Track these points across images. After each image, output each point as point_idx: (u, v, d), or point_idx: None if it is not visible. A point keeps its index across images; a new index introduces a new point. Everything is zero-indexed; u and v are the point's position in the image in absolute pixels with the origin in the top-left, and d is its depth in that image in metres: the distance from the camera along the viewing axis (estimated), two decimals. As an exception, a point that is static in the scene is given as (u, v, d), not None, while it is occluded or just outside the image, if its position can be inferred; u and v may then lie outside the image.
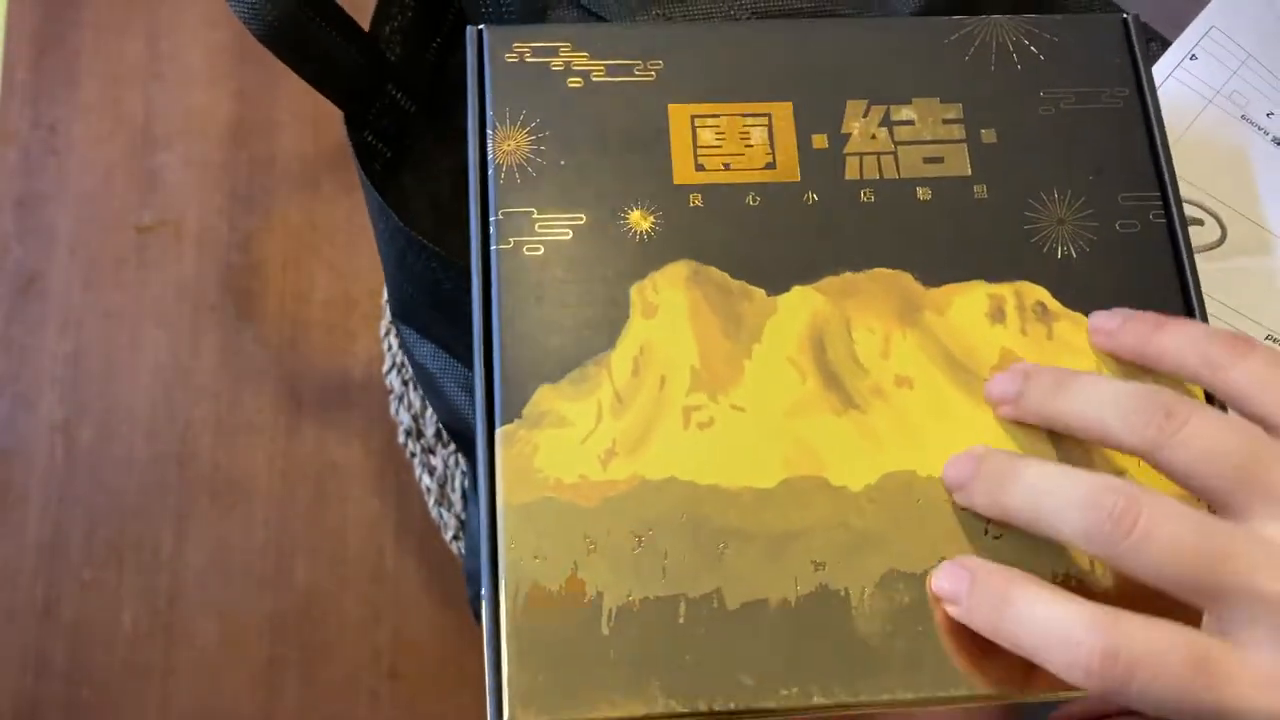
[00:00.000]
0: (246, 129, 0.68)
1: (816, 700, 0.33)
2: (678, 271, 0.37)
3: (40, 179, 0.67)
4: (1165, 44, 0.48)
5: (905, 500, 0.35)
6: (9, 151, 0.68)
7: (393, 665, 0.59)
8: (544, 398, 0.35)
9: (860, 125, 0.38)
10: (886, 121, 0.39)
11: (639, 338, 0.36)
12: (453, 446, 0.62)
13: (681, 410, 0.35)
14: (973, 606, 0.33)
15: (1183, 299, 0.38)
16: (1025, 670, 0.33)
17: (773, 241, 0.37)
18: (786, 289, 0.37)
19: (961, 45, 0.40)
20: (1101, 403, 0.33)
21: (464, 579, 0.59)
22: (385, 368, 0.64)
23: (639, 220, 0.37)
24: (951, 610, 0.33)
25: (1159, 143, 0.39)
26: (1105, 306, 0.37)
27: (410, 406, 0.62)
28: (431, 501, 0.61)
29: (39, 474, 0.62)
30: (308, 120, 0.68)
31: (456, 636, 0.59)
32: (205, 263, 0.66)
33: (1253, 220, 0.45)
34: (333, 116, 0.67)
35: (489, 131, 0.38)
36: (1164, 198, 0.39)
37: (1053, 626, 0.31)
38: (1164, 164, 0.39)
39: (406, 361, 0.63)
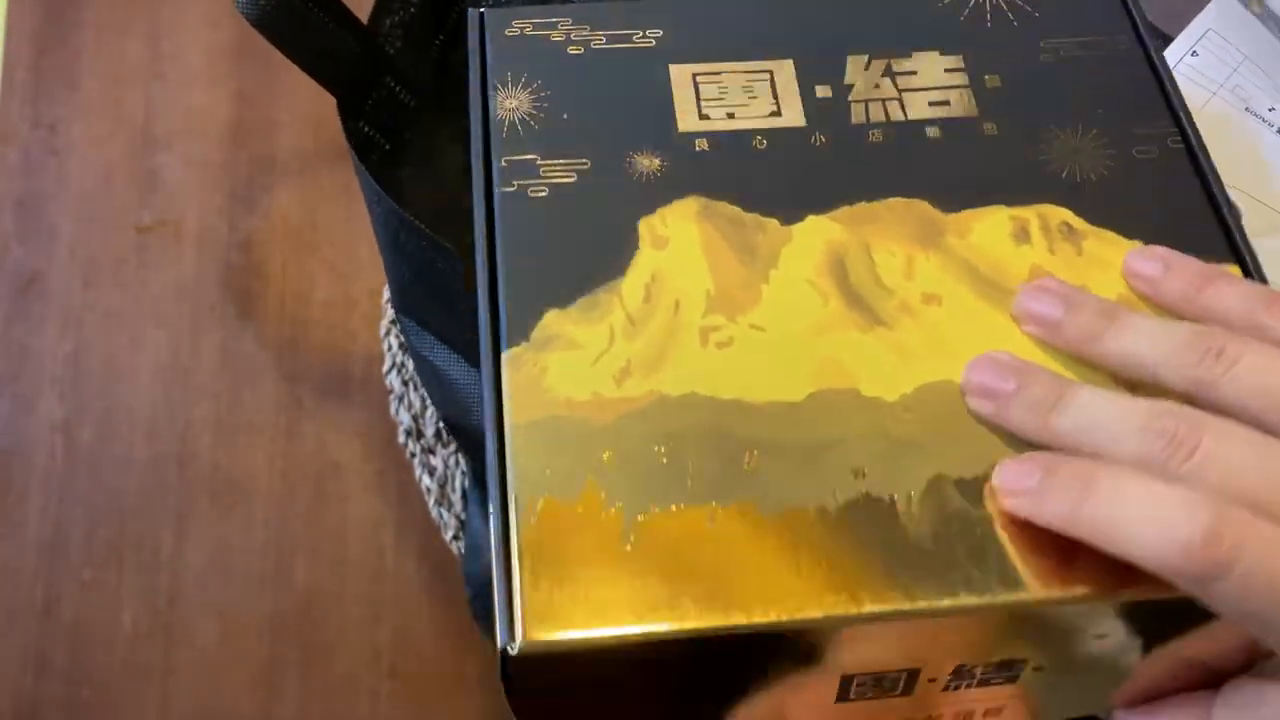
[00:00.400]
0: (246, 129, 0.68)
1: (868, 607, 0.29)
2: (687, 206, 0.36)
3: (40, 179, 0.67)
4: (1167, 40, 0.48)
5: (947, 409, 0.33)
6: (9, 151, 0.68)
7: (393, 665, 0.59)
8: (552, 321, 0.34)
9: (863, 77, 0.38)
10: (889, 73, 0.39)
11: (650, 266, 0.35)
12: (453, 446, 0.62)
13: (698, 331, 0.34)
14: (1047, 492, 0.30)
15: (1214, 213, 0.36)
16: (1101, 570, 0.30)
17: (783, 178, 0.36)
18: (800, 219, 0.36)
19: (956, 6, 0.40)
20: (1149, 342, 0.32)
21: (464, 579, 0.59)
22: (385, 368, 0.63)
23: (645, 162, 0.37)
24: (1012, 502, 0.31)
25: (1166, 81, 0.39)
26: (1133, 223, 0.36)
27: (410, 406, 0.62)
28: (431, 501, 0.61)
29: (39, 474, 0.62)
30: (308, 120, 0.68)
31: (456, 636, 0.59)
32: (205, 263, 0.66)
33: (1264, 203, 0.45)
34: (333, 117, 0.67)
35: (491, 92, 0.38)
36: (1180, 128, 0.38)
37: (1148, 505, 0.28)
38: (1174, 100, 0.38)
39: (406, 361, 0.63)
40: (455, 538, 0.60)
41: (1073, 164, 0.37)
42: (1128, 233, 0.36)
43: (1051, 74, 0.39)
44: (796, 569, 0.30)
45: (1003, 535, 0.31)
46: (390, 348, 0.64)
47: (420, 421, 0.62)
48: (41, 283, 0.65)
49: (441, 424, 0.62)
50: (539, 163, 0.36)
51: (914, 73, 0.39)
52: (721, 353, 0.33)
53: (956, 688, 0.32)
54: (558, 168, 0.36)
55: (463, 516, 0.60)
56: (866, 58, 0.39)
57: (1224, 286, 0.33)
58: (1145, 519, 0.28)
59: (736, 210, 0.36)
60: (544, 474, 0.31)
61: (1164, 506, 0.28)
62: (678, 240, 0.35)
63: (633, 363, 0.33)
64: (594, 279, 0.34)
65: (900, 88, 0.38)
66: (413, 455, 0.62)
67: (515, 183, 0.36)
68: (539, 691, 0.30)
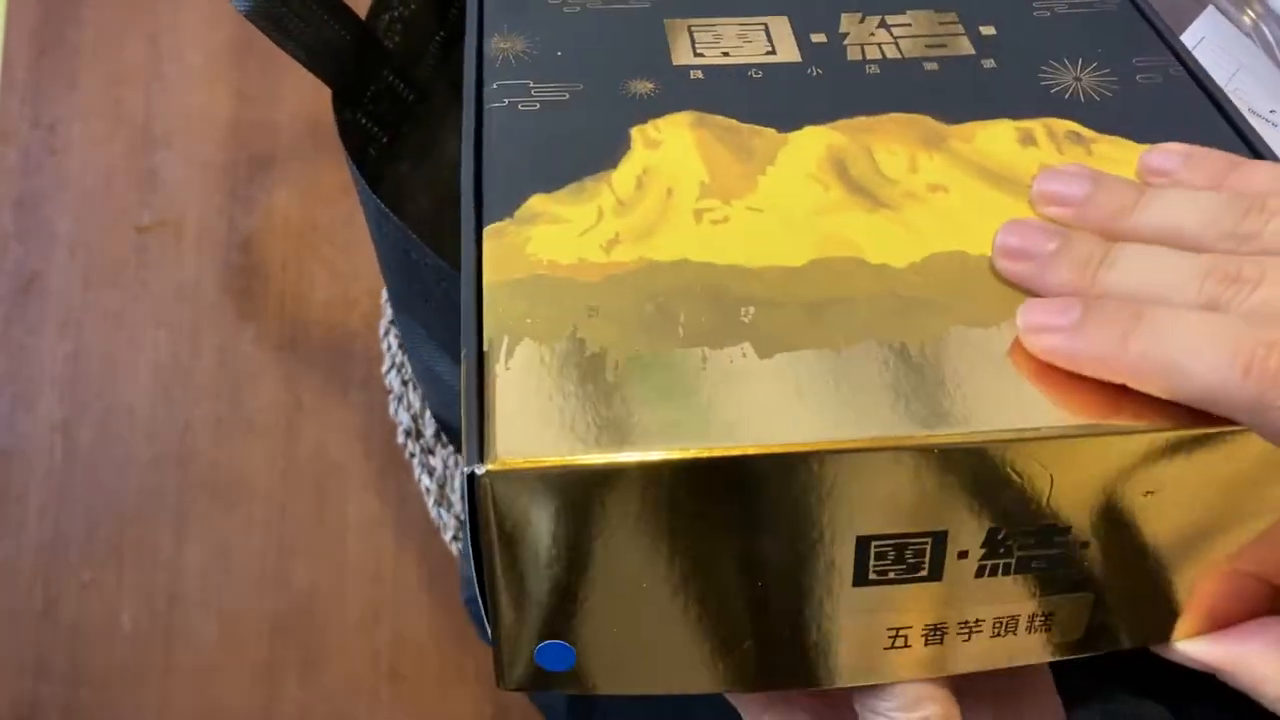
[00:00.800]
0: (246, 129, 0.68)
1: (876, 432, 0.27)
2: (681, 117, 0.34)
3: (40, 179, 0.67)
4: (1166, 42, 0.48)
5: (959, 273, 0.30)
6: (9, 151, 0.68)
7: (393, 665, 0.59)
8: (538, 202, 0.32)
9: (858, 27, 0.38)
10: (884, 25, 0.38)
11: (642, 162, 0.33)
12: (452, 447, 0.62)
13: (692, 212, 0.32)
14: (1087, 326, 0.27)
15: (1225, 119, 0.35)
16: (1132, 406, 0.28)
17: (780, 98, 0.35)
18: (799, 128, 0.34)
19: None
20: (1185, 207, 0.30)
21: (460, 581, 0.59)
22: (385, 368, 0.63)
23: (639, 86, 0.35)
24: (1046, 340, 0.28)
25: (1161, 27, 0.38)
26: (1142, 132, 0.34)
27: (410, 406, 0.62)
28: (431, 502, 0.61)
29: (39, 474, 0.62)
30: (308, 120, 0.68)
31: (456, 636, 0.59)
32: (205, 263, 0.66)
33: None
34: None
35: (486, 39, 0.37)
36: (1180, 60, 0.37)
37: (1204, 330, 0.26)
38: (1172, 41, 0.37)
39: (406, 361, 0.63)
40: (455, 538, 0.60)
41: (1076, 87, 0.36)
42: (1139, 138, 0.34)
43: (1046, 25, 0.38)
44: (799, 403, 0.27)
45: (1029, 374, 0.28)
46: (390, 348, 0.63)
47: (419, 422, 0.62)
48: (41, 283, 0.65)
49: (433, 415, 0.62)
50: (531, 85, 0.35)
51: (908, 24, 0.38)
52: (716, 227, 0.31)
53: (993, 572, 0.29)
54: (550, 89, 0.35)
55: (462, 517, 0.60)
56: (860, 14, 0.38)
57: (1250, 170, 0.31)
58: (1201, 343, 0.26)
59: (732, 121, 0.34)
60: (524, 322, 0.29)
61: (1222, 327, 0.26)
62: (671, 143, 0.34)
63: (621, 235, 0.31)
64: (583, 168, 0.33)
65: (895, 35, 0.38)
66: (412, 455, 0.62)
67: (506, 99, 0.35)
68: (507, 531, 0.27)
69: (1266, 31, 0.47)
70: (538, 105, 0.35)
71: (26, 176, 0.67)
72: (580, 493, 0.27)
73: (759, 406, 0.27)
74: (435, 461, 0.61)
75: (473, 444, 0.26)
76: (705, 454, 0.26)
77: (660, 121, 0.34)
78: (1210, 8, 0.47)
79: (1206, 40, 0.47)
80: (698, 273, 0.30)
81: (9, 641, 0.59)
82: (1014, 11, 0.39)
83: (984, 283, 0.30)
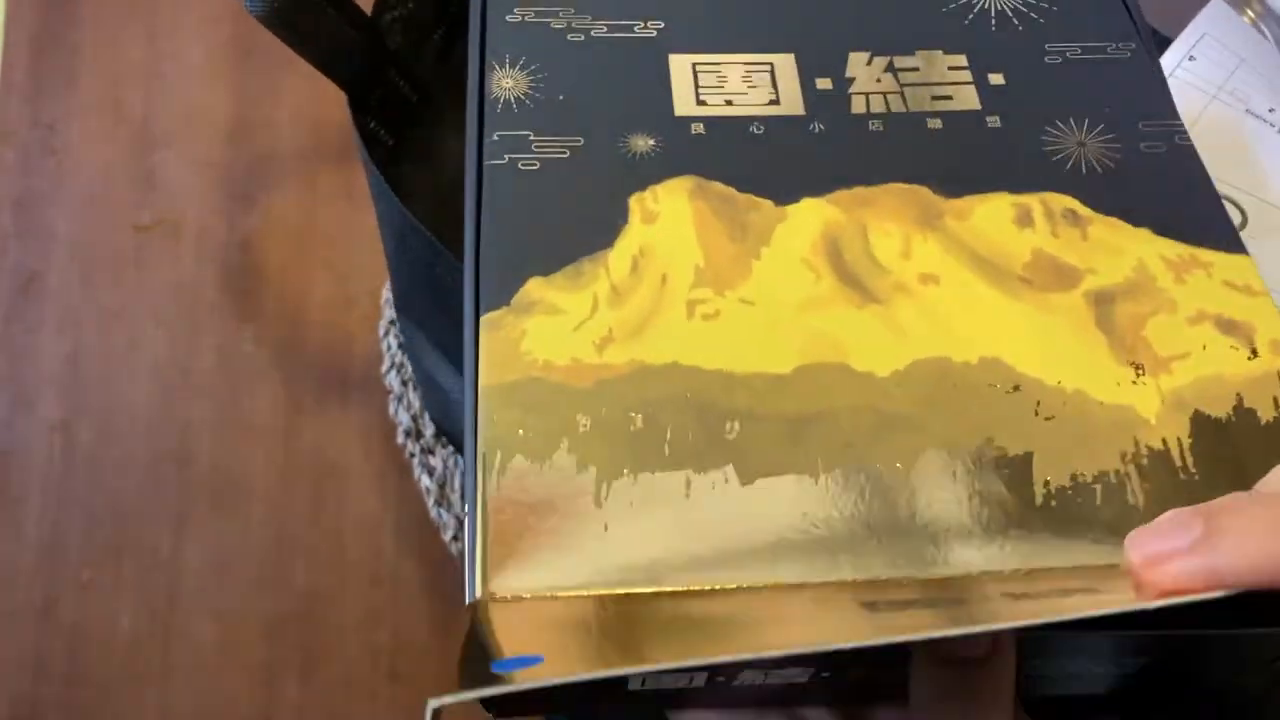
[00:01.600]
0: (246, 128, 0.68)
1: (846, 574, 0.28)
2: (680, 184, 0.35)
3: (39, 178, 0.67)
4: (1166, 42, 0.48)
5: (940, 385, 0.32)
6: (8, 151, 0.68)
7: (393, 666, 0.59)
8: (535, 288, 0.33)
9: (865, 71, 0.38)
10: (891, 69, 0.38)
11: (638, 239, 0.34)
12: (452, 447, 0.62)
13: (685, 303, 0.33)
14: (1219, 535, 0.23)
15: (1223, 205, 0.36)
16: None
17: (779, 161, 0.36)
18: (796, 200, 0.35)
19: (961, 11, 0.40)
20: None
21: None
22: (384, 368, 0.63)
23: (639, 143, 0.36)
24: (1167, 569, 0.24)
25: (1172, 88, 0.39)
26: (1140, 211, 0.35)
27: (410, 406, 0.62)
28: (431, 502, 0.61)
29: (37, 474, 0.62)
30: (307, 120, 0.68)
31: (456, 638, 0.59)
32: (204, 262, 0.66)
33: (1269, 203, 0.45)
34: (333, 117, 0.68)
35: (488, 71, 0.37)
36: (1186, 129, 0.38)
37: None
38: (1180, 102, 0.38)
39: (405, 361, 0.63)
40: (455, 538, 0.60)
41: (1079, 155, 0.37)
42: (1135, 220, 0.35)
43: (1057, 74, 0.39)
44: (775, 535, 0.29)
45: (995, 509, 0.30)
46: (389, 348, 0.63)
47: (419, 422, 0.62)
48: (40, 282, 0.65)
49: (434, 424, 0.62)
50: (532, 139, 0.36)
51: (916, 69, 0.38)
52: (707, 324, 0.33)
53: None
54: (550, 144, 0.36)
55: (462, 517, 0.60)
56: (869, 54, 0.39)
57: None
58: None
59: (730, 190, 0.35)
60: (516, 434, 0.30)
61: None
62: (669, 216, 0.35)
63: (614, 331, 0.32)
64: (580, 248, 0.34)
65: (902, 82, 0.38)
66: (412, 455, 0.62)
67: (506, 156, 0.36)
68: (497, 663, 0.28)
69: (1266, 30, 0.47)
70: (537, 165, 0.35)
71: (26, 176, 0.67)
72: (569, 628, 0.28)
73: (737, 540, 0.29)
74: (435, 461, 0.61)
75: (470, 578, 0.28)
76: (680, 590, 0.28)
77: (659, 189, 0.35)
78: (1212, 2, 0.48)
79: (1208, 36, 0.47)
80: (686, 379, 0.31)
81: (8, 641, 0.59)
82: (1025, 57, 0.39)
83: (963, 397, 0.32)
